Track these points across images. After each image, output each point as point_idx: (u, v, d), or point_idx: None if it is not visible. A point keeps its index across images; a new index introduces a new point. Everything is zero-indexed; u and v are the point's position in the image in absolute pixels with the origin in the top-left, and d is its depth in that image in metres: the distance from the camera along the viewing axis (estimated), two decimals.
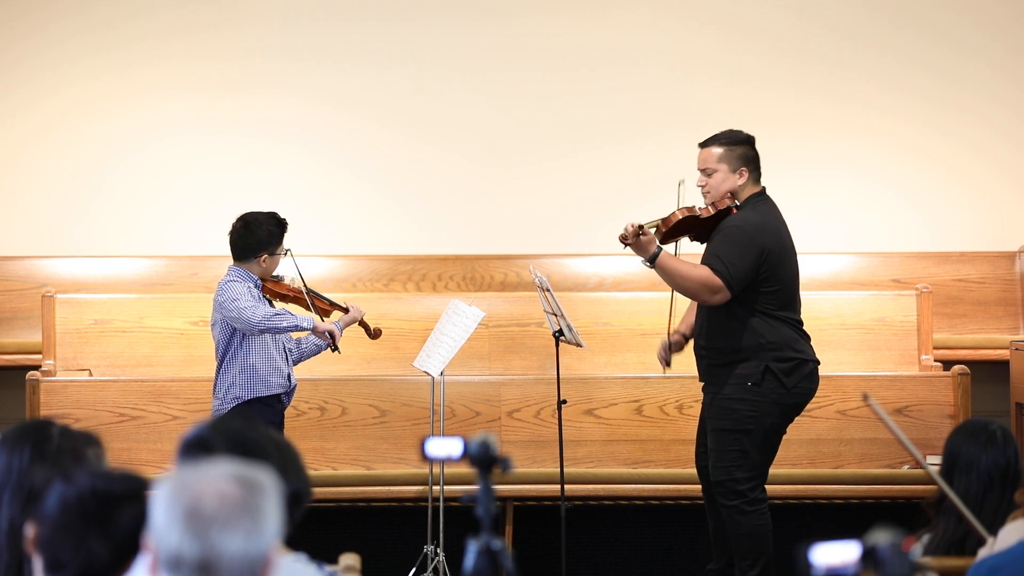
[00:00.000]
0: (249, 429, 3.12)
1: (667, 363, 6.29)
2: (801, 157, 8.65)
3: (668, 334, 6.29)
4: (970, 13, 8.72)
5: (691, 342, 6.24)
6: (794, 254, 6.10)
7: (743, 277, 5.90)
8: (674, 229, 6.04)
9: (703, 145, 6.14)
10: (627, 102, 8.70)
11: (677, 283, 6.00)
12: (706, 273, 5.90)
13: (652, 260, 5.92)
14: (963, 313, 8.42)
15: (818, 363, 6.08)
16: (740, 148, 6.08)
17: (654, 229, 5.97)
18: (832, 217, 8.65)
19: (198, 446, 3.03)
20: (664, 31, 8.69)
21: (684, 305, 6.34)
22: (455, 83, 8.70)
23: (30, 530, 2.76)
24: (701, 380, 6.17)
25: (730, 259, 5.90)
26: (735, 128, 6.18)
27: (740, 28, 8.70)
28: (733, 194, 6.05)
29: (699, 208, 6.06)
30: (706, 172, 6.09)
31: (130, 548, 2.73)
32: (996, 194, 8.71)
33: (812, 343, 6.12)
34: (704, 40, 8.69)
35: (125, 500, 2.74)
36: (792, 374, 5.96)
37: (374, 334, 6.73)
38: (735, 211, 6.02)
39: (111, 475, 2.78)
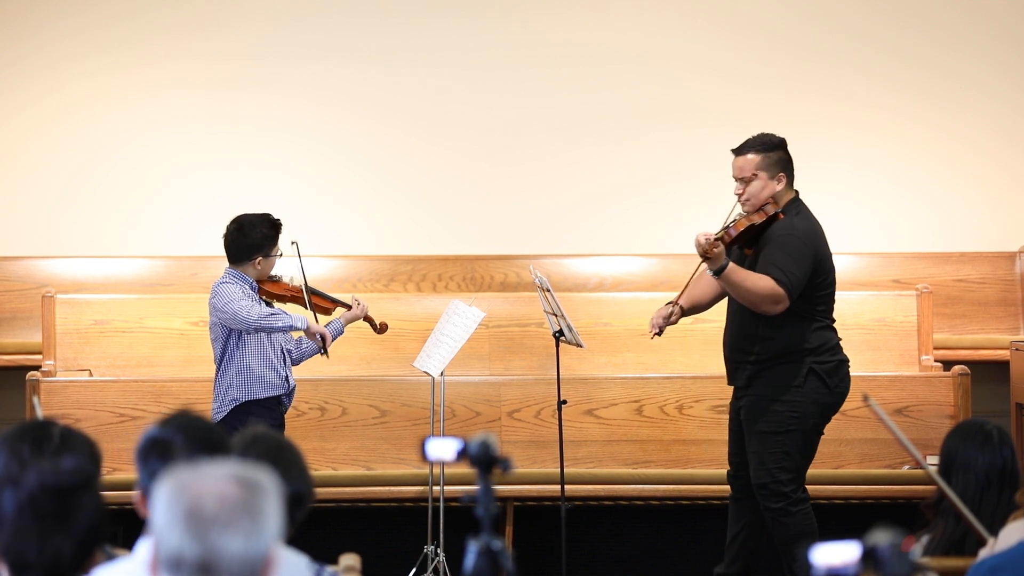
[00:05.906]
0: (202, 420, 3.13)
1: (660, 332, 6.17)
2: (801, 156, 8.51)
3: (674, 303, 6.18)
4: (972, 12, 8.71)
5: (690, 318, 6.21)
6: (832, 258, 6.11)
7: (800, 285, 5.90)
8: (736, 240, 6.01)
9: (739, 152, 6.08)
10: (628, 100, 8.69)
11: (741, 294, 5.96)
12: (770, 284, 5.87)
13: (720, 271, 5.88)
14: (963, 313, 8.42)
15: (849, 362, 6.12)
16: (776, 153, 6.06)
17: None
18: (832, 216, 8.62)
19: (155, 448, 3.04)
20: (665, 29, 8.69)
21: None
22: (455, 82, 8.69)
23: None
24: (732, 383, 6.15)
25: (789, 268, 5.88)
26: (766, 131, 6.13)
27: (740, 26, 8.70)
28: (774, 199, 6.03)
29: (752, 216, 6.00)
30: (744, 180, 6.05)
31: (92, 539, 2.72)
32: (997, 194, 8.70)
33: None
34: (705, 38, 8.69)
35: (77, 492, 2.74)
36: (834, 375, 6.00)
37: (380, 329, 6.69)
38: (781, 216, 6.00)
39: (59, 469, 2.77)
